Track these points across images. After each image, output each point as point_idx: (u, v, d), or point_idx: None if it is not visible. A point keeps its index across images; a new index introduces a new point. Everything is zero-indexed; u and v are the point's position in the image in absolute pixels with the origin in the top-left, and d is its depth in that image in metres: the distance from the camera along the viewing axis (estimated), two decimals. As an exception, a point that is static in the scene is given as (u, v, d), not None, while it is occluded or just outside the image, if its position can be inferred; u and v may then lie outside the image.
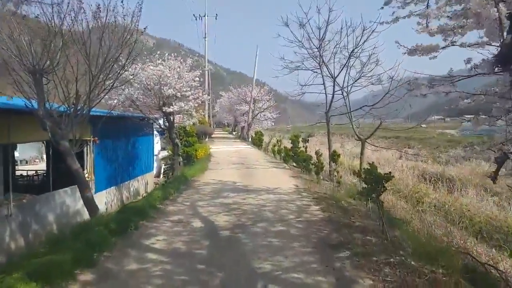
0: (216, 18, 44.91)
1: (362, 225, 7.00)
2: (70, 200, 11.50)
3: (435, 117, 35.67)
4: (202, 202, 9.15)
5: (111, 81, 8.40)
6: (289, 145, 20.23)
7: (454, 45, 4.59)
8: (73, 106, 8.27)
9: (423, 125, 45.73)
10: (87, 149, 12.56)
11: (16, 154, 26.59)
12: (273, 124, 50.52)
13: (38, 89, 7.69)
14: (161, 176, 20.98)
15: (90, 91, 8.29)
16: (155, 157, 20.91)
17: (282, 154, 20.25)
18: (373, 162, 6.79)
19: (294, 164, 19.23)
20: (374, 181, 5.98)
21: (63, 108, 8.31)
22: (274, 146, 24.39)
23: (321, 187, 12.24)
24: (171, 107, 12.68)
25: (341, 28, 13.73)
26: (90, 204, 8.30)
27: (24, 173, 17.79)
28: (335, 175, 10.21)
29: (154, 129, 14.77)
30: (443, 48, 4.67)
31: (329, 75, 14.89)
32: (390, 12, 4.94)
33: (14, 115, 8.44)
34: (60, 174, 11.69)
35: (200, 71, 13.97)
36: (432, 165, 23.85)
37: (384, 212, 6.28)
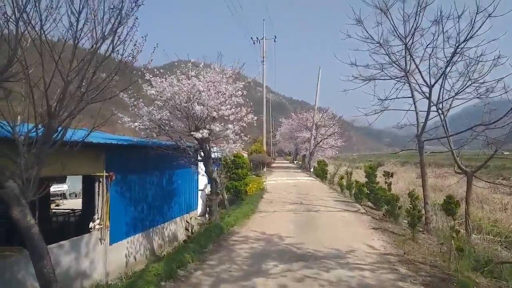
0: (275, 41, 42.34)
1: None
2: (69, 257, 8.59)
3: None
4: (228, 286, 5.53)
5: (91, 91, 5.36)
6: (358, 176, 16.07)
7: None
8: (42, 126, 5.28)
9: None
10: (98, 188, 9.77)
11: (65, 187, 25.57)
12: (336, 152, 45.95)
13: None
14: (207, 214, 17.81)
15: (62, 103, 5.31)
16: (199, 193, 17.91)
17: (353, 190, 16.05)
18: None
19: (370, 203, 14.92)
20: None
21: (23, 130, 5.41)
22: (342, 178, 20.22)
23: (421, 248, 8.02)
24: (200, 131, 9.48)
25: (440, 16, 9.63)
26: (47, 284, 5.14)
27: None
28: (453, 235, 6.17)
29: (193, 159, 11.75)
30: None
31: (423, 84, 10.73)
32: None
33: None
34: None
35: (244, 83, 10.61)
36: None
37: None
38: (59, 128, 5.58)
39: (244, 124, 10.93)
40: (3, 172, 4.95)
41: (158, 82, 10.08)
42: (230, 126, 10.14)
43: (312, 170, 35.94)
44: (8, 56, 4.82)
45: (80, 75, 5.28)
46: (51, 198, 21.77)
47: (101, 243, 9.56)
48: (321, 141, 41.35)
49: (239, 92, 10.42)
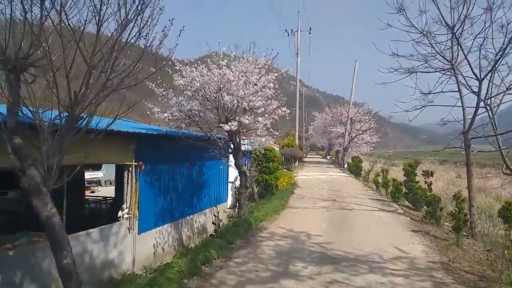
0: (310, 33, 41.33)
1: None
2: (97, 245, 8.56)
3: None
4: (252, 287, 5.16)
5: (116, 77, 5.13)
6: (394, 174, 15.19)
7: None
8: (66, 113, 5.10)
9: None
10: (127, 177, 9.69)
11: (101, 174, 26.29)
12: (371, 148, 44.45)
13: (12, 89, 4.71)
14: (236, 208, 17.60)
15: (86, 89, 5.12)
16: (230, 185, 17.70)
17: (390, 188, 15.20)
18: None
19: (408, 203, 14.07)
20: None
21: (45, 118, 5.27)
22: (377, 176, 19.33)
23: (466, 255, 7.29)
24: (229, 123, 9.11)
25: (492, 2, 8.66)
26: (67, 275, 5.01)
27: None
28: (508, 245, 5.47)
29: (223, 151, 11.49)
30: None
31: (471, 77, 9.78)
32: None
33: None
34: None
35: (276, 74, 10.13)
36: None
37: None
38: (84, 116, 5.41)
39: (276, 117, 10.48)
40: (25, 159, 4.83)
41: (188, 71, 9.82)
42: (260, 119, 9.72)
43: (345, 166, 34.95)
44: (31, 40, 4.65)
45: (103, 60, 5.04)
46: (86, 185, 22.49)
47: (129, 232, 9.50)
48: (355, 136, 40.08)
49: (271, 84, 9.96)
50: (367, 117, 40.49)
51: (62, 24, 4.57)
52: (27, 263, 6.36)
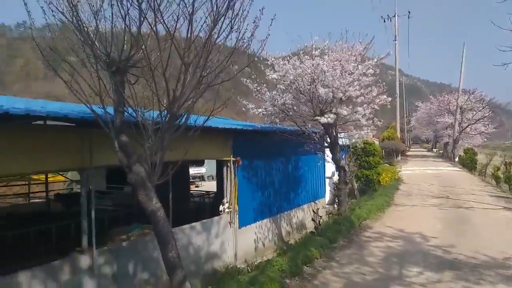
0: (409, 17, 38.02)
1: None
2: (201, 238, 8.88)
3: None
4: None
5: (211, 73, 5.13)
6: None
7: None
8: (166, 112, 5.30)
9: None
10: (227, 172, 9.92)
11: (204, 169, 27.87)
12: (485, 140, 39.04)
13: (117, 90, 5.06)
14: (335, 204, 16.92)
15: (183, 88, 5.24)
16: (327, 180, 17.10)
17: (517, 185, 12.98)
18: None
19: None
20: None
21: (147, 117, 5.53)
22: (497, 170, 16.76)
23: None
24: (326, 116, 8.59)
25: None
26: (172, 268, 5.16)
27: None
28: None
29: (319, 145, 11.06)
30: None
31: None
32: None
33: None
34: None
35: (376, 60, 9.30)
36: None
37: None
38: (182, 113, 5.54)
39: (376, 107, 9.64)
40: (131, 155, 5.10)
41: (281, 64, 9.60)
42: (359, 109, 9.01)
43: (456, 159, 31.29)
44: (131, 42, 4.86)
45: (197, 56, 5.05)
46: (191, 180, 24.08)
47: (230, 226, 9.70)
48: (467, 126, 35.62)
49: (370, 70, 9.16)
50: (479, 105, 35.62)
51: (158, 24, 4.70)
52: (140, 253, 6.81)
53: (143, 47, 4.79)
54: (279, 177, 12.18)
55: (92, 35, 4.66)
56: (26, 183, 12.91)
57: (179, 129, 5.46)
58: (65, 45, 4.86)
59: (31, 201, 12.78)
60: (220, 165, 10.51)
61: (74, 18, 4.54)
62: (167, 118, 5.20)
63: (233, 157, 9.79)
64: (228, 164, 9.79)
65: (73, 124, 5.86)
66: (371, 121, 9.79)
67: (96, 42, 4.68)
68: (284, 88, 9.53)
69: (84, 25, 4.61)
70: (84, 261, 5.72)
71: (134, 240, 6.93)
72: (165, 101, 5.17)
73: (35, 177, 12.68)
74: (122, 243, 6.75)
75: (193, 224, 8.69)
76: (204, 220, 9.04)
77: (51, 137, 5.53)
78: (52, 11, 4.49)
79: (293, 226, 13.02)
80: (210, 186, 19.03)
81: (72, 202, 10.89)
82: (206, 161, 24.30)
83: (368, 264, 5.70)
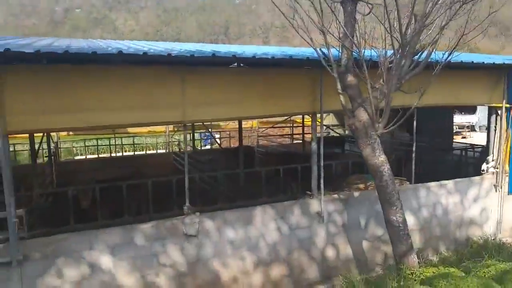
0: None
1: None
2: (452, 200, 7.42)
3: None
4: None
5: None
6: None
7: None
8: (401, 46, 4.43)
9: None
10: (495, 123, 7.72)
11: (475, 118, 23.35)
12: None
13: (347, 22, 4.59)
14: None
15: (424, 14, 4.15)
16: None
17: None
18: None
19: None
20: None
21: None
22: None
23: None
24: None
25: None
26: (394, 233, 4.43)
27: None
28: None
29: None
30: None
31: None
32: None
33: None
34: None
35: None
36: None
37: None
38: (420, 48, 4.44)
39: None
40: (355, 99, 4.50)
41: None
42: None
43: None
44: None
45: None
46: (457, 130, 20.77)
47: (495, 190, 7.70)
48: None
49: None
50: None
51: None
52: (373, 206, 6.30)
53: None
54: None
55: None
56: (289, 125, 14.59)
57: (417, 67, 4.43)
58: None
59: (294, 142, 14.34)
60: (489, 113, 8.29)
61: None
62: (399, 49, 4.25)
63: (506, 103, 7.44)
64: (499, 111, 7.57)
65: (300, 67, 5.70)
66: None
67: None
68: None
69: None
70: (313, 205, 5.82)
71: (366, 192, 6.50)
72: (397, 33, 4.23)
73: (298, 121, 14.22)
74: (354, 193, 6.45)
75: (444, 182, 7.36)
76: (458, 179, 7.50)
77: (289, 81, 5.61)
78: None
79: None
80: (481, 138, 15.80)
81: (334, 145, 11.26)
82: (478, 108, 20.15)
83: None
